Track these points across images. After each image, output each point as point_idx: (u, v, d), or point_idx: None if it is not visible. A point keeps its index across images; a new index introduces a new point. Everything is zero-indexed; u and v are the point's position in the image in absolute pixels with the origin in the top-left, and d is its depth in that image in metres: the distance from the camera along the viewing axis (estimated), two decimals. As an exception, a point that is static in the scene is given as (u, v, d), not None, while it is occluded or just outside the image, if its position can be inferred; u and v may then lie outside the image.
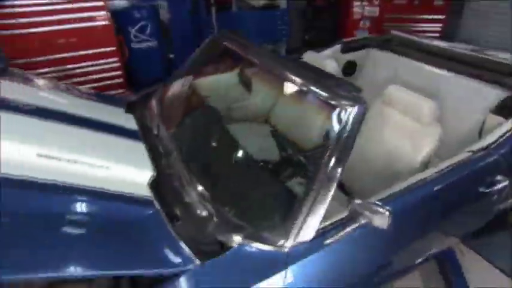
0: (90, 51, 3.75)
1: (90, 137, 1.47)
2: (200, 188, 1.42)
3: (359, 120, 1.27)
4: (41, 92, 1.67)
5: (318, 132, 1.42)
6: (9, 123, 1.24)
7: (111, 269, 1.03)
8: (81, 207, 1.19)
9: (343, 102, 1.30)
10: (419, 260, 1.91)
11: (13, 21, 3.29)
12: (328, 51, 3.07)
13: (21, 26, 3.32)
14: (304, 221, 1.21)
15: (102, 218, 1.20)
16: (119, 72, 4.09)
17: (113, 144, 1.52)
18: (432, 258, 2.19)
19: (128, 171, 1.39)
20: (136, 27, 4.75)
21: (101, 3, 3.67)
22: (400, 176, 1.76)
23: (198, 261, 1.16)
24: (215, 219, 1.31)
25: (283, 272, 1.19)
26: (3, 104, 1.36)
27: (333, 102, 1.31)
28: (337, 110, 1.29)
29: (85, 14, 3.62)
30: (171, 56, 5.52)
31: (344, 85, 1.43)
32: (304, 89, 1.45)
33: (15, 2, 3.30)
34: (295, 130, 1.75)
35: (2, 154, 1.11)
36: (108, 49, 3.85)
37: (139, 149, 1.58)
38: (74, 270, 1.00)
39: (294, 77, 1.49)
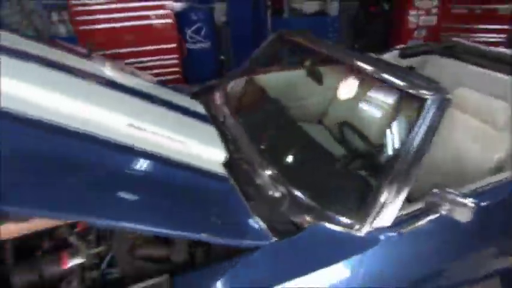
0: (153, 47, 3.96)
1: (168, 114, 1.57)
2: (272, 170, 1.45)
3: (443, 109, 1.25)
4: (123, 73, 1.80)
5: (394, 122, 1.41)
6: (107, 96, 1.38)
7: (192, 232, 1.08)
8: (162, 173, 1.26)
9: (427, 92, 1.28)
10: (487, 272, 1.81)
11: (88, 17, 3.57)
12: (386, 56, 3.04)
13: (94, 22, 3.59)
14: (383, 207, 1.21)
15: (183, 186, 1.27)
16: (176, 69, 4.27)
17: (188, 123, 1.61)
18: (498, 274, 2.07)
19: (203, 149, 1.46)
20: (193, 28, 4.94)
21: (166, 2, 3.87)
22: (467, 181, 1.69)
23: (274, 238, 1.19)
24: (288, 200, 1.34)
25: (359, 256, 1.19)
26: (98, 80, 1.49)
27: (416, 92, 1.30)
28: (421, 100, 1.27)
29: (151, 12, 3.84)
30: (222, 58, 5.68)
31: (422, 76, 1.42)
32: (381, 79, 1.45)
33: (90, 1, 3.59)
34: (365, 122, 1.74)
35: (100, 118, 1.22)
36: (169, 46, 4.04)
37: (211, 131, 1.65)
38: (157, 227, 1.06)
39: (369, 68, 1.50)
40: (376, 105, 1.65)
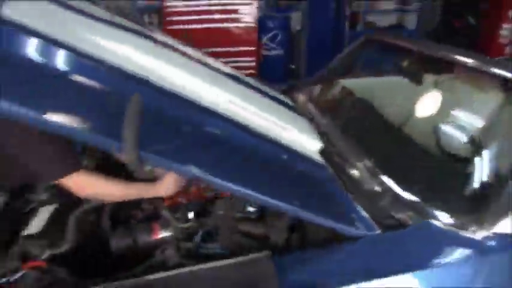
0: (234, 49, 4.12)
1: (265, 101, 1.61)
2: (368, 164, 1.40)
3: None
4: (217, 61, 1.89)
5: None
6: (212, 75, 1.47)
7: (303, 209, 1.07)
8: (264, 150, 1.29)
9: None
10: None
11: (178, 18, 3.84)
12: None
13: (182, 22, 3.85)
14: (507, 211, 1.08)
15: (285, 166, 1.28)
16: (253, 72, 4.38)
17: (284, 112, 1.62)
18: None
19: (301, 136, 1.46)
20: (268, 35, 5.04)
21: (251, 7, 4.02)
22: None
23: (379, 231, 1.14)
24: (388, 195, 1.27)
25: (474, 262, 1.08)
26: (203, 62, 1.59)
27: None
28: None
29: (235, 15, 4.02)
30: (292, 66, 5.71)
31: None
32: (493, 75, 1.33)
33: (181, 3, 3.86)
34: (472, 124, 1.61)
35: (205, 94, 1.29)
36: (248, 49, 4.17)
37: (305, 122, 1.64)
38: (273, 198, 1.06)
39: (476, 63, 1.40)
40: (486, 106, 1.51)
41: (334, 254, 1.10)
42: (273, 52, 5.17)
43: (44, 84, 1.00)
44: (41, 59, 1.04)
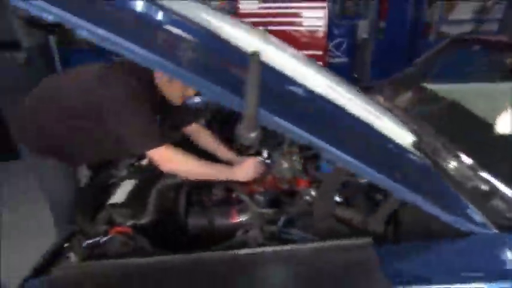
0: (303, 52, 4.10)
1: (358, 93, 1.54)
2: (470, 163, 1.26)
3: None
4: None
5: None
6: (309, 63, 1.45)
7: (419, 197, 0.98)
8: (366, 132, 1.26)
9: None
10: None
11: (251, 19, 3.92)
12: None
13: (255, 24, 3.91)
14: None
15: (388, 151, 1.22)
16: (320, 77, 4.33)
17: (376, 105, 1.53)
18: None
19: (394, 127, 1.36)
20: (333, 43, 4.94)
21: (322, 11, 3.99)
22: None
23: (494, 229, 1.01)
24: (500, 195, 1.13)
25: None
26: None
27: None
28: None
29: (307, 19, 4.02)
30: (355, 75, 5.54)
31: None
32: None
33: (255, 6, 3.99)
34: None
35: (309, 79, 1.29)
36: (317, 53, 4.11)
37: (395, 117, 1.53)
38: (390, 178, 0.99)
39: None
40: None
41: (440, 249, 1.00)
42: (337, 60, 5.06)
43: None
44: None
